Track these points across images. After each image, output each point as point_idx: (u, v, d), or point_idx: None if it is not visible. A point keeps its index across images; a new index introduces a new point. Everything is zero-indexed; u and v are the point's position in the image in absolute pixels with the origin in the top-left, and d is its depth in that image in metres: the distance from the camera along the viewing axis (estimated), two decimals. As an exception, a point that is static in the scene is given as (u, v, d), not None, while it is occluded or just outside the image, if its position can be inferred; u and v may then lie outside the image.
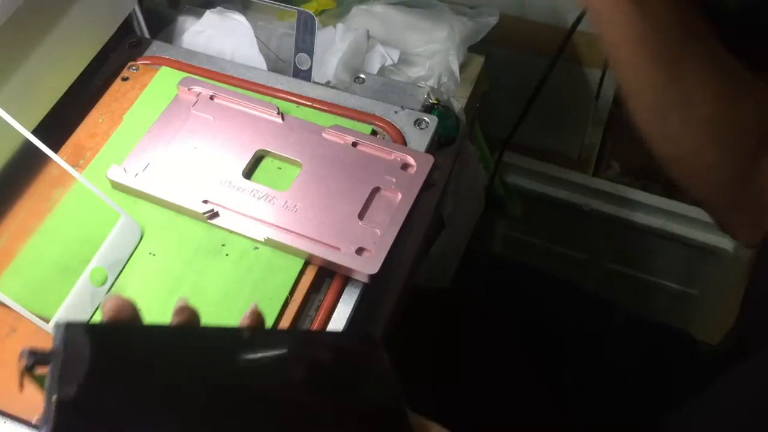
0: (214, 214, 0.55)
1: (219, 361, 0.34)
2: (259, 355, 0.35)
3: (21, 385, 0.33)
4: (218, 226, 0.55)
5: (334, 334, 0.39)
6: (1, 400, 0.48)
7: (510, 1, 0.96)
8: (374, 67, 0.78)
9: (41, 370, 0.33)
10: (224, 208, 0.55)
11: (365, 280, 0.52)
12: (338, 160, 0.58)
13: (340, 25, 0.80)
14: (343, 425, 0.33)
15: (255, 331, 0.37)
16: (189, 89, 0.61)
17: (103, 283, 0.52)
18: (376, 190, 0.56)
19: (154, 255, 0.54)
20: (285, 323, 0.51)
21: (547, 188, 1.19)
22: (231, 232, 0.55)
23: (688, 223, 1.13)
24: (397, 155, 0.57)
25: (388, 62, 0.79)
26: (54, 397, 0.31)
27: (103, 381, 0.32)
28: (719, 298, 1.18)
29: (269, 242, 0.54)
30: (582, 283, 1.08)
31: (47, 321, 0.49)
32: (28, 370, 0.33)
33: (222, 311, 0.51)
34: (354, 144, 0.58)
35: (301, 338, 0.37)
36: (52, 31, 0.56)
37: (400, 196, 0.55)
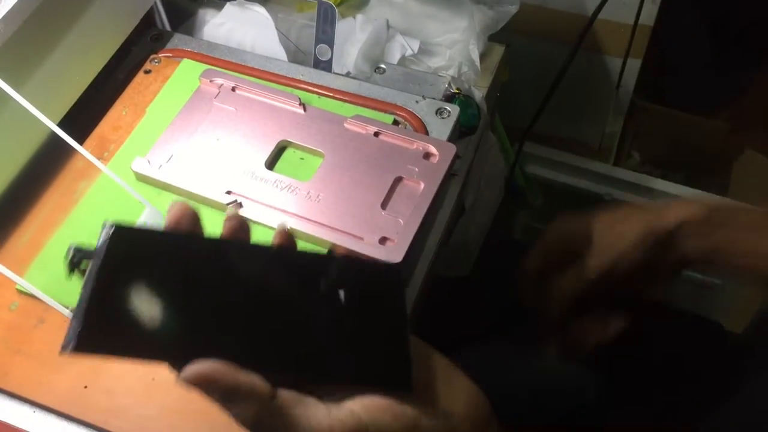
0: (238, 205, 0.55)
1: (250, 270, 0.37)
2: (287, 266, 0.39)
3: (68, 274, 0.38)
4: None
5: (359, 259, 0.42)
6: (31, 390, 0.49)
7: (531, -12, 0.96)
8: (394, 57, 0.78)
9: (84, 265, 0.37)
10: (247, 198, 0.55)
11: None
12: (360, 150, 0.58)
13: (359, 16, 0.80)
14: (348, 334, 0.37)
15: (284, 248, 0.40)
16: (211, 81, 0.61)
17: (129, 273, 0.53)
18: (398, 180, 0.56)
19: (178, 246, 0.54)
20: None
21: (568, 178, 1.19)
22: (254, 222, 0.55)
23: (711, 212, 1.12)
24: (419, 144, 0.57)
25: (408, 52, 0.79)
26: (89, 290, 0.35)
27: (136, 280, 0.35)
28: (743, 287, 1.17)
29: (292, 232, 0.54)
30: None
31: (75, 311, 0.50)
32: (73, 264, 0.38)
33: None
34: (376, 134, 0.58)
35: (326, 257, 0.41)
36: (76, 24, 0.56)
37: (422, 185, 0.55)
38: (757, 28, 1.16)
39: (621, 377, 0.79)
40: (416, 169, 0.56)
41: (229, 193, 0.55)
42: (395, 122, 0.61)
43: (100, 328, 0.34)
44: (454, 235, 0.75)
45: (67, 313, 0.49)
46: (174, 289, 0.36)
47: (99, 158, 0.58)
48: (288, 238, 0.40)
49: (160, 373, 0.49)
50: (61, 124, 0.54)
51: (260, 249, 0.39)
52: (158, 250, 0.37)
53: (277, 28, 0.73)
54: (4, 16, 0.48)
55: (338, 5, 0.86)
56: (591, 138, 1.24)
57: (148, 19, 0.68)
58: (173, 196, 0.57)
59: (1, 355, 0.50)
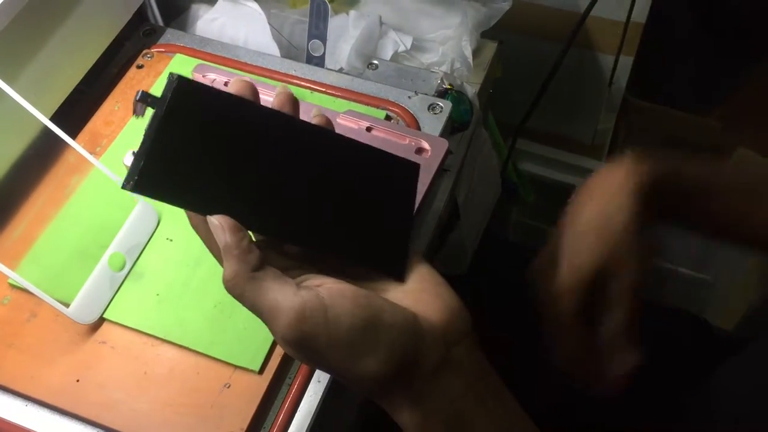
0: None
1: (291, 142, 0.42)
2: (324, 145, 0.43)
3: (134, 113, 0.42)
4: None
5: (386, 152, 0.46)
6: (24, 384, 0.49)
7: (523, -15, 0.96)
8: (387, 53, 0.78)
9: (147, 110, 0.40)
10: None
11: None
12: None
13: (352, 12, 0.80)
14: (359, 215, 0.42)
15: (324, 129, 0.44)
16: (203, 76, 0.61)
17: (122, 268, 0.53)
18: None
19: (171, 240, 0.55)
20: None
21: (561, 175, 1.19)
22: None
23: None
24: (411, 139, 0.57)
25: (401, 48, 0.79)
26: (152, 134, 0.38)
27: (193, 132, 0.39)
28: (734, 284, 1.18)
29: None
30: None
31: (67, 305, 0.50)
32: (139, 108, 0.41)
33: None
34: (368, 129, 0.58)
35: (357, 143, 0.44)
36: (68, 18, 0.56)
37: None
38: (748, 25, 1.17)
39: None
40: None
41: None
42: (388, 117, 0.61)
43: (159, 171, 0.38)
44: (450, 234, 0.75)
45: (56, 305, 0.49)
46: (225, 146, 0.40)
47: (91, 153, 0.58)
48: (328, 122, 0.44)
49: (152, 367, 0.49)
50: (53, 119, 0.54)
51: (305, 126, 0.43)
52: (217, 107, 0.41)
53: (270, 24, 0.73)
54: (-5, 10, 0.48)
55: (331, 1, 0.86)
56: (583, 135, 1.25)
57: (141, 14, 0.68)
58: (166, 191, 0.57)
59: (-7, 349, 0.50)
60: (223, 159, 0.40)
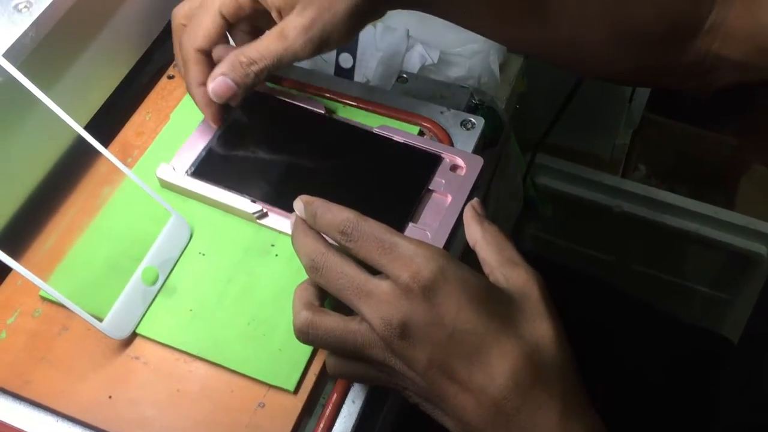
0: (264, 215, 0.55)
1: (324, 134, 0.59)
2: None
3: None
4: (268, 227, 0.55)
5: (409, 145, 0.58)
6: (55, 399, 0.48)
7: None
8: (414, 66, 0.78)
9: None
10: (273, 208, 0.55)
11: None
12: None
13: (379, 25, 0.80)
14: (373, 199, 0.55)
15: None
16: None
17: (155, 282, 0.52)
18: (427, 192, 0.55)
19: (203, 255, 0.54)
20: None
21: (578, 189, 1.19)
22: (280, 232, 0.54)
23: (722, 227, 1.12)
24: (446, 156, 0.57)
25: (428, 62, 0.79)
26: (217, 134, 0.57)
27: (251, 134, 0.58)
28: (752, 303, 1.17)
29: None
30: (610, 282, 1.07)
31: (100, 320, 0.49)
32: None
33: (274, 311, 0.51)
34: (403, 144, 0.58)
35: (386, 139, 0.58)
36: (105, 27, 0.56)
37: (450, 198, 0.55)
38: None
39: (626, 390, 0.79)
40: (443, 181, 0.56)
41: (254, 202, 0.55)
42: (420, 133, 0.61)
43: (214, 165, 0.56)
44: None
45: (90, 319, 0.48)
46: (270, 141, 0.57)
47: (122, 163, 0.58)
48: None
49: (185, 384, 0.49)
50: (85, 129, 0.54)
51: (338, 123, 0.59)
52: (274, 114, 0.59)
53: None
54: (35, 21, 0.47)
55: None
56: (601, 150, 1.25)
57: (169, 23, 0.67)
58: (197, 204, 0.56)
59: (24, 363, 0.49)
60: (262, 151, 0.57)
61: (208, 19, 0.52)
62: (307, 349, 0.49)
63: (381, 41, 0.78)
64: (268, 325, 0.50)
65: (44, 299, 0.52)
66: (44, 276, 0.52)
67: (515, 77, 0.83)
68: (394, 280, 0.40)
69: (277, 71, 0.52)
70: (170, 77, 0.63)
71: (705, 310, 1.23)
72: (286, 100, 0.60)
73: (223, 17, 0.53)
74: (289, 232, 0.54)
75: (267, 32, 0.53)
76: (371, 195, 0.55)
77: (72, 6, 0.50)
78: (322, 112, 0.59)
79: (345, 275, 0.42)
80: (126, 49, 0.60)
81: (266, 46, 0.51)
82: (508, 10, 0.55)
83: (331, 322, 0.42)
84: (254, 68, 0.51)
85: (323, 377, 0.49)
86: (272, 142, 0.58)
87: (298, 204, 0.46)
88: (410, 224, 0.54)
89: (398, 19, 0.84)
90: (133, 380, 0.49)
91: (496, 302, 0.41)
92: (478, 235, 0.46)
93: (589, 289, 0.90)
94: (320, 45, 0.51)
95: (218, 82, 0.52)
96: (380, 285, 0.41)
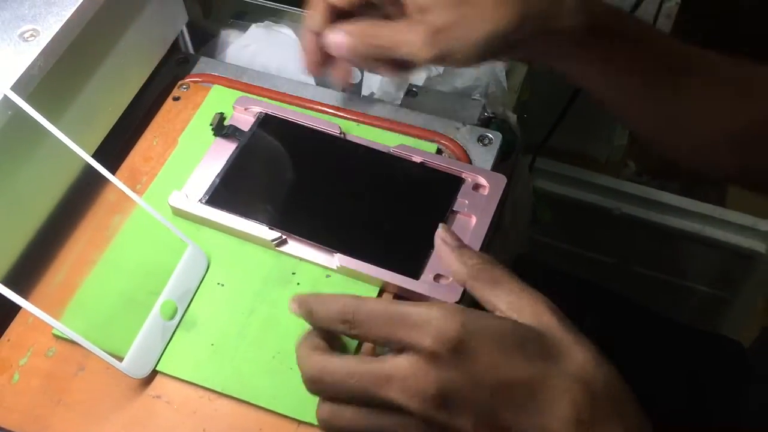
0: (283, 242, 0.53)
1: (343, 158, 0.57)
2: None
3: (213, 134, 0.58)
4: (287, 254, 0.53)
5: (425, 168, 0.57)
6: (75, 443, 0.46)
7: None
8: (420, 78, 0.76)
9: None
10: (292, 234, 0.53)
11: None
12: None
13: (383, 35, 0.78)
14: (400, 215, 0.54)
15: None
16: (246, 109, 0.59)
17: (173, 316, 0.50)
18: (450, 214, 0.54)
19: (222, 285, 0.52)
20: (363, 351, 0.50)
21: (574, 191, 1.18)
22: (300, 259, 0.53)
23: (721, 225, 1.12)
24: (467, 175, 0.56)
25: (434, 73, 0.77)
26: (231, 161, 0.56)
27: (266, 161, 0.57)
28: (752, 301, 1.17)
29: (342, 270, 0.52)
30: (609, 286, 1.07)
31: (120, 359, 0.47)
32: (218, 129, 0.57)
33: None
34: (422, 164, 0.56)
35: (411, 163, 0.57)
36: (110, 54, 0.53)
37: (474, 219, 0.54)
38: (760, 43, 1.17)
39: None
40: (467, 202, 0.54)
41: (272, 229, 0.53)
42: (438, 151, 0.59)
43: (230, 192, 0.54)
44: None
45: (109, 359, 0.46)
46: (286, 166, 0.56)
47: (132, 191, 0.55)
48: None
49: (210, 423, 0.47)
50: (93, 157, 0.52)
51: (356, 146, 0.57)
52: (289, 137, 0.57)
53: (303, 50, 0.70)
54: (43, 50, 0.45)
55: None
56: (599, 152, 1.24)
57: (173, 43, 0.65)
58: (212, 232, 0.54)
59: (41, 406, 0.47)
60: (278, 176, 0.55)
61: None
62: (336, 382, 0.48)
63: (385, 52, 0.76)
64: (295, 358, 0.49)
65: (58, 337, 0.50)
66: (56, 313, 0.50)
67: (520, 85, 0.82)
68: (416, 351, 0.36)
69: (389, 58, 0.51)
70: (176, 99, 0.61)
71: (704, 309, 1.23)
72: (299, 122, 0.58)
73: None
74: (310, 259, 0.52)
75: (401, 20, 0.51)
76: (393, 219, 0.54)
77: (80, 32, 0.48)
78: (337, 133, 0.58)
79: (352, 374, 0.37)
80: (132, 73, 0.58)
81: (395, 33, 0.50)
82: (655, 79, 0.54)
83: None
84: (375, 46, 0.50)
85: (353, 410, 0.48)
86: (287, 166, 0.56)
87: (293, 306, 0.42)
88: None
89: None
90: (155, 421, 0.47)
91: (528, 342, 0.38)
92: (463, 273, 0.42)
93: (589, 294, 0.90)
94: (441, 57, 0.49)
95: (339, 37, 0.51)
96: (397, 362, 0.37)
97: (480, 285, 0.41)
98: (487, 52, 0.49)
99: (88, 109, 0.52)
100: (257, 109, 0.59)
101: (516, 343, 0.38)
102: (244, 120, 0.59)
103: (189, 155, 0.57)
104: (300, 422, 0.47)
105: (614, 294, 0.92)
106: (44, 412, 0.47)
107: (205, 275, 0.52)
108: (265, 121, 0.57)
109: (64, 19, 0.47)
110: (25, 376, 0.49)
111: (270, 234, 0.53)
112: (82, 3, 0.48)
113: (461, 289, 0.50)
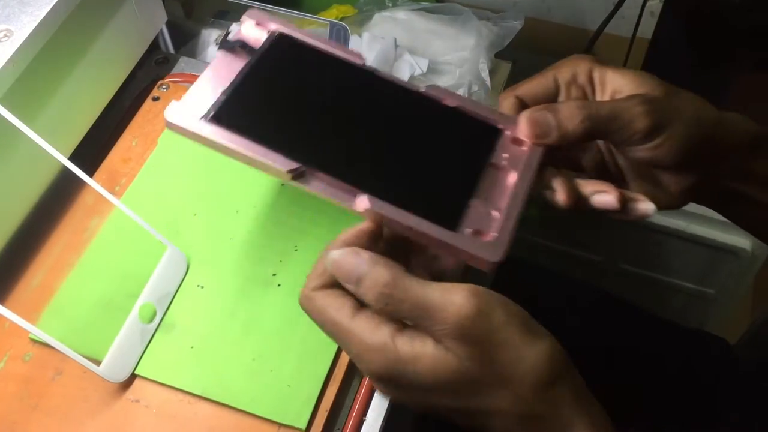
0: (301, 174, 0.42)
1: (368, 91, 0.47)
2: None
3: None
4: (303, 188, 0.42)
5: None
6: (52, 449, 0.45)
7: (534, 4, 0.94)
8: (403, 76, 0.76)
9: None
10: (312, 167, 0.42)
11: (485, 268, 0.42)
12: None
13: (365, 34, 0.78)
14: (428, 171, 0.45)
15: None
16: (258, 24, 0.47)
17: (152, 319, 0.50)
18: (488, 166, 0.45)
19: (202, 287, 0.51)
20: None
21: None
22: (322, 196, 0.42)
23: (706, 222, 1.12)
24: (506, 127, 0.46)
25: (417, 71, 0.77)
26: (241, 77, 0.44)
27: (280, 82, 0.45)
28: (737, 298, 1.17)
29: (368, 213, 0.41)
30: (596, 284, 1.07)
31: (97, 363, 0.46)
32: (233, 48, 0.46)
33: (281, 345, 0.49)
34: (457, 108, 0.47)
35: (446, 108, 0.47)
36: (85, 55, 0.53)
37: (515, 175, 0.44)
38: (749, 41, 1.17)
39: (626, 395, 0.79)
40: (506, 155, 0.45)
41: (289, 159, 0.42)
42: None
43: (238, 110, 0.43)
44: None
45: (86, 363, 0.46)
46: (301, 92, 0.46)
47: (110, 193, 0.55)
48: None
49: (190, 427, 0.46)
50: (69, 159, 0.51)
51: (386, 80, 0.47)
52: (307, 63, 0.47)
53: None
54: (13, 55, 0.44)
55: (339, 20, 0.83)
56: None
57: (152, 42, 0.65)
58: (193, 232, 0.53)
59: (17, 412, 0.47)
60: (296, 102, 0.45)
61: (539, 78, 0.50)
62: (318, 384, 0.47)
63: (369, 51, 0.75)
64: (275, 360, 0.48)
65: (35, 342, 0.49)
66: (32, 318, 0.49)
67: (504, 83, 0.82)
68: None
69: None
70: (155, 99, 0.61)
71: (689, 306, 1.23)
72: (320, 47, 0.48)
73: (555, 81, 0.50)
74: (333, 198, 0.43)
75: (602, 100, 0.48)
76: (424, 165, 0.45)
77: (55, 32, 0.47)
78: (362, 63, 0.48)
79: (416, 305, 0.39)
80: (110, 73, 0.57)
81: (597, 110, 0.46)
82: None
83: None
84: (579, 126, 0.45)
85: (335, 413, 0.47)
86: (305, 94, 0.46)
87: (334, 258, 0.41)
88: (474, 200, 0.44)
89: (382, 27, 0.82)
90: (134, 425, 0.46)
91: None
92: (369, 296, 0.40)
93: (575, 292, 0.90)
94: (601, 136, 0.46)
95: (540, 116, 0.46)
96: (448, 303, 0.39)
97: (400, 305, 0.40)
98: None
99: (65, 110, 0.52)
100: (272, 26, 0.48)
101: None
102: (255, 37, 0.48)
103: (169, 156, 0.57)
104: (280, 425, 0.46)
105: (600, 291, 0.91)
106: (20, 417, 0.46)
107: (184, 277, 0.52)
108: (280, 41, 0.47)
109: (39, 19, 0.47)
110: (2, 382, 0.48)
111: (287, 164, 0.41)
112: (56, 2, 0.47)
113: (504, 249, 0.42)
